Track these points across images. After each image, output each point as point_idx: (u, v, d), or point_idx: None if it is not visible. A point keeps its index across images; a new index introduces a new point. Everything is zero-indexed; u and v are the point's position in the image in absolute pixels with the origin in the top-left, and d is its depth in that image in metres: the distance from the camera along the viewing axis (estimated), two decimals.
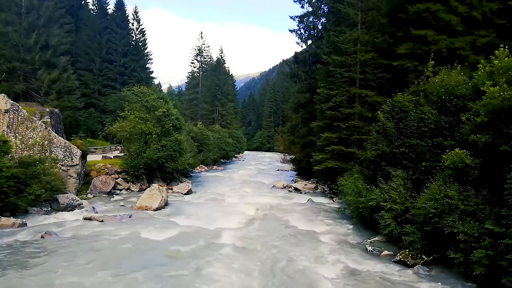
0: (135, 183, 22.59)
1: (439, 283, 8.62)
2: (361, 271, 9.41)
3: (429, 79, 13.25)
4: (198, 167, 37.03)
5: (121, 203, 18.03)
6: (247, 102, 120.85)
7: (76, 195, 17.66)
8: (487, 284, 8.14)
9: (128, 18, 48.79)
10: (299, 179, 28.89)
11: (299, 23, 28.83)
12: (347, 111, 19.90)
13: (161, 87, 60.60)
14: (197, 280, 8.50)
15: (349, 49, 20.28)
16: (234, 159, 61.04)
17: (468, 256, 8.34)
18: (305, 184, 25.86)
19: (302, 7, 28.88)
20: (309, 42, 29.79)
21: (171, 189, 22.56)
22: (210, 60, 70.21)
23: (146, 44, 51.41)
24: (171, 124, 24.38)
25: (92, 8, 48.25)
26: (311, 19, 28.78)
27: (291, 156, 36.48)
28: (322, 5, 28.13)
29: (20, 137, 16.09)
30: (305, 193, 23.46)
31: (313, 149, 23.75)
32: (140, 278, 8.49)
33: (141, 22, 50.29)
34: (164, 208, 17.08)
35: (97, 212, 15.55)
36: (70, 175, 18.50)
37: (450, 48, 16.18)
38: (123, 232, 12.38)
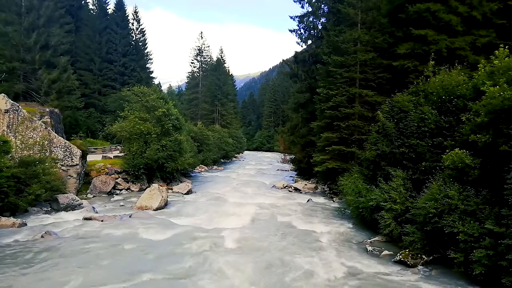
0: (135, 183, 22.60)
1: (439, 283, 8.62)
2: (361, 271, 9.41)
3: (429, 79, 13.25)
4: (198, 167, 37.03)
5: (121, 203, 18.04)
6: (247, 102, 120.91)
7: (76, 195, 17.65)
8: (487, 284, 8.14)
9: (128, 18, 48.85)
10: (299, 179, 28.87)
11: (299, 23, 28.89)
12: (347, 110, 19.91)
13: (161, 87, 60.61)
14: (197, 280, 8.50)
15: (349, 49, 20.29)
16: (234, 159, 61.05)
17: (468, 256, 8.35)
18: (305, 184, 25.85)
19: (302, 7, 28.95)
20: (309, 42, 29.84)
21: (171, 189, 22.57)
22: (210, 60, 70.14)
23: (146, 44, 51.53)
24: (171, 124, 24.38)
25: (92, 8, 48.29)
26: (311, 19, 28.82)
27: (291, 156, 36.48)
28: (322, 5, 28.15)
29: (20, 137, 16.10)
30: (305, 193, 23.46)
31: (313, 149, 23.76)
32: (140, 277, 8.49)
33: (141, 22, 50.49)
34: (164, 208, 17.08)
35: (97, 212, 15.56)
36: (70, 175, 18.50)
37: (450, 48, 16.20)
38: (123, 232, 12.39)
